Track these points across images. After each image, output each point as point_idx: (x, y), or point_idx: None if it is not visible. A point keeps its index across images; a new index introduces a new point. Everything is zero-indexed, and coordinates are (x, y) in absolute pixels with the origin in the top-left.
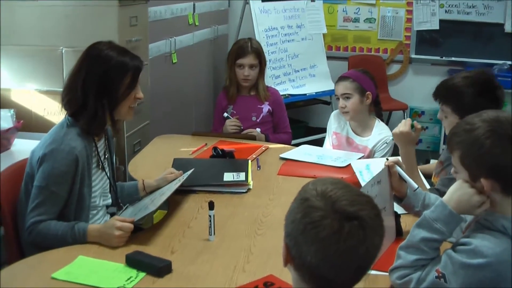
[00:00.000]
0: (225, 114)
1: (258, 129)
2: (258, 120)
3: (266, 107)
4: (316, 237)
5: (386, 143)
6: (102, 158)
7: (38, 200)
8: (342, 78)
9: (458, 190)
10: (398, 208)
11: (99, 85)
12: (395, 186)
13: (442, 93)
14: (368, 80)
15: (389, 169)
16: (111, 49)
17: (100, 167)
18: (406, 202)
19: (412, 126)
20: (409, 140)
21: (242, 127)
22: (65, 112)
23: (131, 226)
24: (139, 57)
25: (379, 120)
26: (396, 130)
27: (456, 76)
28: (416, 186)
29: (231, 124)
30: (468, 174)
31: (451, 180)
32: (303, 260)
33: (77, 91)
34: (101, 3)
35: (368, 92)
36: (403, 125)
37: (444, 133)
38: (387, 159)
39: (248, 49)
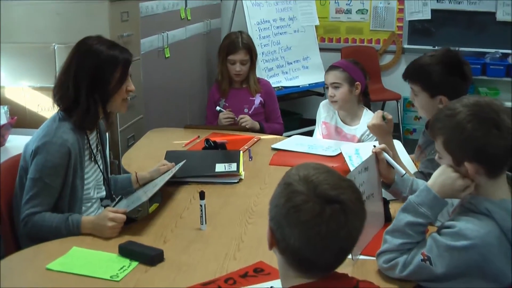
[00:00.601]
0: (218, 108)
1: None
2: (250, 112)
3: (258, 99)
4: (298, 221)
5: None
6: (94, 151)
7: (32, 192)
8: (332, 67)
9: (441, 175)
10: (386, 195)
11: (90, 79)
12: (383, 173)
13: (410, 73)
14: (358, 71)
15: (376, 156)
16: (101, 43)
17: (93, 159)
18: (394, 188)
19: (384, 117)
20: (383, 131)
21: (236, 119)
22: (57, 108)
23: (124, 217)
24: (128, 50)
25: (367, 109)
26: (369, 123)
27: (423, 56)
28: (403, 172)
29: (224, 116)
30: (452, 159)
31: (432, 161)
32: (286, 243)
33: (69, 87)
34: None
35: (357, 83)
36: (375, 118)
37: None
38: (374, 146)
39: (239, 45)
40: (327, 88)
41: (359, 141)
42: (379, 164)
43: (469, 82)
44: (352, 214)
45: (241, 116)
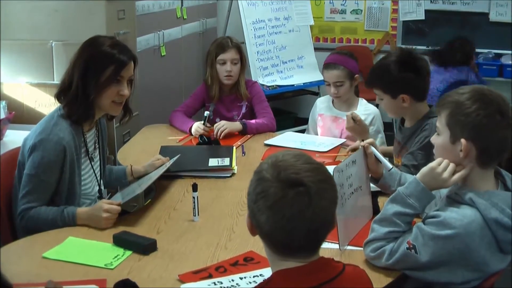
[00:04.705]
0: (206, 113)
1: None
2: (239, 118)
3: (244, 105)
4: (265, 206)
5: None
6: (91, 149)
7: (28, 187)
8: (332, 66)
9: (430, 169)
10: (375, 190)
11: (84, 68)
12: (371, 167)
13: (370, 78)
14: (354, 63)
15: (364, 150)
16: (106, 40)
17: (89, 157)
18: (382, 182)
19: (354, 119)
20: (358, 131)
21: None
22: (57, 104)
23: (118, 208)
24: (132, 53)
25: (362, 99)
26: (345, 126)
27: (380, 59)
28: (390, 166)
29: (200, 132)
30: (450, 134)
31: (414, 153)
32: (260, 228)
33: (67, 73)
34: None
35: (356, 75)
36: (347, 121)
37: None
38: (363, 140)
39: (228, 44)
40: (328, 85)
41: None
42: (367, 158)
43: (426, 77)
44: (316, 194)
45: (216, 124)
